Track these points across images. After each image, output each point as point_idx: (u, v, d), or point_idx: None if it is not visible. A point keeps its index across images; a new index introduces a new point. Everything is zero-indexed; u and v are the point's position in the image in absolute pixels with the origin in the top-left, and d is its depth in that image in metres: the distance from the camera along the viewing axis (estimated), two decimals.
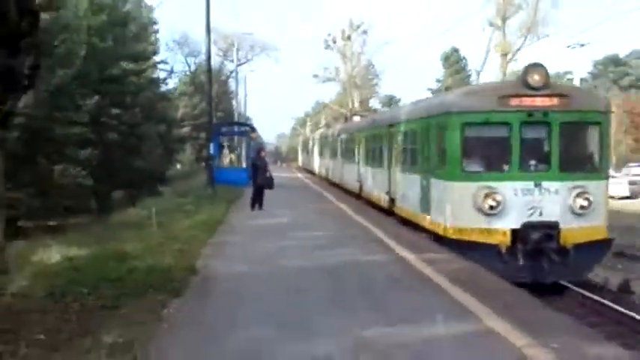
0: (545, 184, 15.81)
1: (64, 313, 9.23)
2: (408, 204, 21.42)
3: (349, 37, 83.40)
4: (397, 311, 9.73)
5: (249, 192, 27.51)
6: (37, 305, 9.55)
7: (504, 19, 60.29)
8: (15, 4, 8.03)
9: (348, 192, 35.10)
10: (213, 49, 44.10)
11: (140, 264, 12.91)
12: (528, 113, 15.79)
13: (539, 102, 15.88)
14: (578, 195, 15.80)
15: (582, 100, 16.94)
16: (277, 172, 40.74)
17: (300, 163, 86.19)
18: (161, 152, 56.21)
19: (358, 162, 32.28)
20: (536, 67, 16.26)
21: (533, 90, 15.85)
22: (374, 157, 28.75)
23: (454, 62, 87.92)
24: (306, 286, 11.68)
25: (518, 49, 60.39)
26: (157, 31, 63.85)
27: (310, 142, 69.35)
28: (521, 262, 15.57)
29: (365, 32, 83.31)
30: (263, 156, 28.19)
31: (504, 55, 60.24)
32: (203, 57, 55.19)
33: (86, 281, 11.11)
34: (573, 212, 15.90)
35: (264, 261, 14.03)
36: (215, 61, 66.56)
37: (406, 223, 21.54)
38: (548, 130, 16.09)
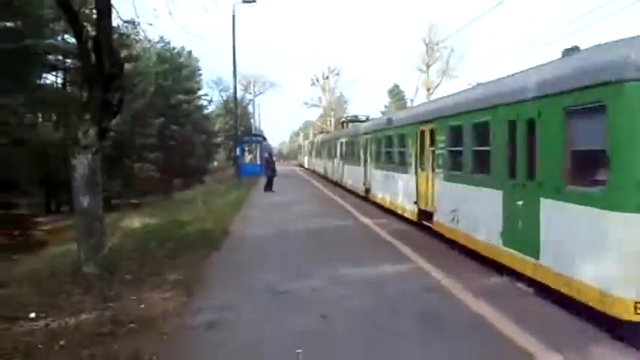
0: None
1: (142, 261, 9.23)
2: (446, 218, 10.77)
3: (327, 77, 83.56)
4: (361, 257, 9.74)
5: (263, 180, 27.91)
6: (125, 256, 9.55)
7: (428, 66, 61.99)
8: (107, 59, 8.00)
9: (330, 181, 34.60)
10: (238, 86, 44.69)
11: (191, 228, 12.90)
12: None
13: None
14: None
15: None
16: (280, 167, 41.22)
17: (297, 161, 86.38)
18: (204, 153, 57.54)
19: (341, 160, 29.21)
20: None
21: None
22: (353, 157, 23.96)
23: (396, 94, 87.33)
24: (302, 241, 11.72)
25: (437, 86, 61.76)
26: (201, 74, 64.35)
27: (303, 147, 69.76)
28: None
29: (337, 74, 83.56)
30: (272, 157, 29.57)
31: (428, 89, 61.60)
32: (231, 91, 55.73)
33: (156, 240, 11.10)
34: None
35: (272, 225, 14.04)
36: (239, 94, 67.20)
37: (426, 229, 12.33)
38: None
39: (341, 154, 28.72)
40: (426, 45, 61.50)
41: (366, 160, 20.55)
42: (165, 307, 6.68)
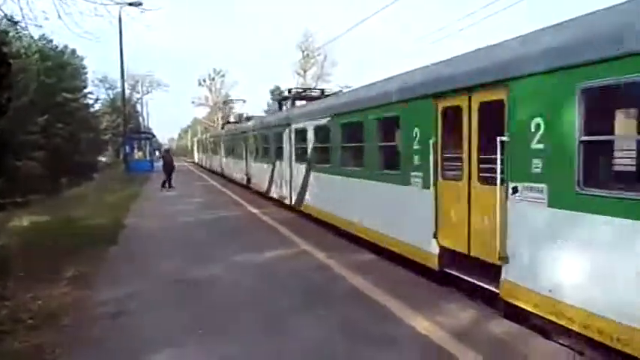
0: None
1: (35, 259, 8.46)
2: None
3: (213, 79, 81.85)
4: (253, 243, 9.82)
5: (154, 176, 26.59)
6: (17, 254, 8.68)
7: (305, 71, 63.72)
8: None
9: (216, 173, 34.26)
10: (125, 85, 42.01)
11: (85, 224, 12.04)
12: None
13: None
14: None
15: None
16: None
17: (192, 158, 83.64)
18: (92, 151, 53.34)
19: (224, 156, 30.25)
20: None
21: None
22: (234, 152, 25.01)
23: (278, 94, 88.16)
24: (195, 231, 11.48)
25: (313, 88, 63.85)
26: (86, 73, 59.29)
27: (195, 145, 67.80)
28: None
29: (223, 75, 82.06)
30: (170, 153, 26.71)
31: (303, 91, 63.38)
32: (118, 89, 52.23)
33: (49, 237, 10.22)
34: None
35: (167, 218, 13.54)
36: (126, 92, 62.98)
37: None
38: None
39: (227, 150, 28.70)
40: (303, 52, 62.95)
41: (247, 155, 21.37)
42: (64, 301, 6.27)
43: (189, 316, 5.68)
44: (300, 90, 17.73)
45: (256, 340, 4.98)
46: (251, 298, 6.36)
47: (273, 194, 16.19)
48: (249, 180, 21.14)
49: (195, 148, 63.60)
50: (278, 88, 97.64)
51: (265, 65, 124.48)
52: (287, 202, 14.43)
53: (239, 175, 23.66)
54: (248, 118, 26.30)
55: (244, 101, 32.74)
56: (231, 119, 34.89)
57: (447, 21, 64.76)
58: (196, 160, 57.24)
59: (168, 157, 24.86)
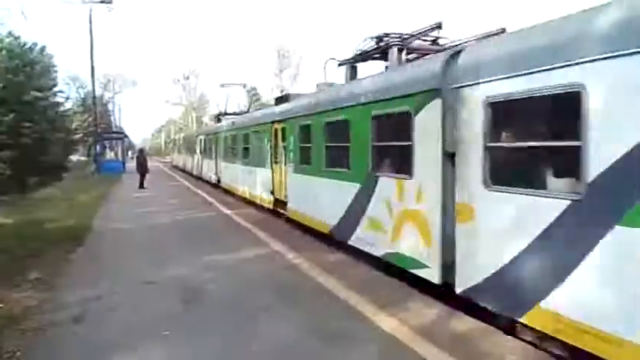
0: None
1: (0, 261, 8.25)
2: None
3: (188, 78, 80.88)
4: (223, 244, 9.77)
5: (125, 176, 26.15)
6: None
7: (281, 71, 63.91)
8: None
9: (189, 174, 33.85)
10: (97, 84, 41.29)
11: (53, 225, 11.77)
12: None
13: None
14: None
15: None
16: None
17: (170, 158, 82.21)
18: (62, 151, 51.94)
19: (199, 155, 29.58)
20: None
21: None
22: (208, 152, 25.19)
23: (254, 94, 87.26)
24: (165, 233, 11.34)
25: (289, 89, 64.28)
26: (56, 71, 57.74)
27: (171, 145, 66.88)
28: None
29: (198, 75, 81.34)
30: (143, 153, 26.04)
31: (281, 91, 63.42)
32: (89, 88, 51.25)
33: (13, 240, 9.97)
34: None
35: (137, 219, 13.33)
36: (98, 92, 61.73)
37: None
38: None
39: (201, 150, 28.43)
40: (279, 53, 63.00)
41: (217, 155, 22.45)
42: (28, 304, 6.13)
43: (153, 319, 5.61)
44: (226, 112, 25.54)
45: (218, 338, 4.97)
46: (219, 297, 6.33)
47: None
48: (218, 180, 22.22)
49: (171, 148, 62.30)
50: (254, 88, 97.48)
51: (242, 65, 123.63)
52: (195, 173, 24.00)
53: (210, 174, 24.95)
54: (218, 118, 25.98)
55: (244, 86, 31.89)
56: (205, 119, 34.63)
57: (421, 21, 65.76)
58: (174, 162, 55.95)
59: (141, 157, 24.23)
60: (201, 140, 28.54)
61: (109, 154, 42.89)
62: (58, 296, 6.49)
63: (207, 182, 25.34)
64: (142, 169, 23.06)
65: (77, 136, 67.51)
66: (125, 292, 6.67)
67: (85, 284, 7.08)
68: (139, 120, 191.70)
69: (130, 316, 5.73)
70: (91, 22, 28.75)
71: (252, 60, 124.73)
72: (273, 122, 13.39)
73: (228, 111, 26.50)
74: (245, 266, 7.97)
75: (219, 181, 22.02)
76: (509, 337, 4.96)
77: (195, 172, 30.87)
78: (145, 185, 22.61)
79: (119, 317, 5.71)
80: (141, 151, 27.38)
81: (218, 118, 26.23)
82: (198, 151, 29.82)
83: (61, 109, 58.14)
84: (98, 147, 36.91)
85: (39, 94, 41.06)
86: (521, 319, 4.78)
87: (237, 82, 28.86)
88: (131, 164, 52.76)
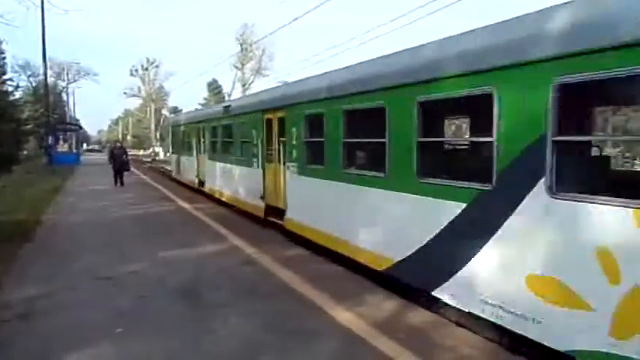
0: None
1: None
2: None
3: (147, 69, 78.45)
4: (181, 239, 9.56)
5: (78, 168, 25.13)
6: None
7: (243, 64, 63.19)
8: None
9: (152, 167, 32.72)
10: (50, 72, 39.57)
11: (1, 219, 11.18)
12: None
13: None
14: None
15: None
16: (101, 155, 37.83)
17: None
18: (12, 142, 49.45)
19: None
20: None
21: None
22: (187, 146, 20.05)
23: (214, 88, 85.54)
24: (122, 227, 10.98)
25: (251, 82, 63.74)
26: (5, 58, 54.87)
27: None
28: None
29: (157, 66, 78.91)
30: (122, 146, 22.49)
31: (243, 85, 62.90)
32: (41, 77, 48.90)
33: None
34: None
35: (91, 213, 12.85)
36: (50, 80, 59.11)
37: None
38: None
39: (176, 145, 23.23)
40: (241, 45, 61.97)
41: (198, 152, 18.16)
42: None
43: (107, 315, 5.41)
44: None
45: (176, 335, 4.84)
46: (175, 292, 6.18)
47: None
48: (198, 181, 18.06)
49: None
50: (215, 81, 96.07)
51: (203, 58, 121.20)
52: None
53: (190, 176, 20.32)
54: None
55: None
56: (164, 111, 33.69)
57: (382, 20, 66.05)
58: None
59: (119, 151, 20.80)
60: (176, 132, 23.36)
61: (63, 146, 41.15)
62: (2, 294, 6.15)
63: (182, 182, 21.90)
64: (118, 164, 20.22)
65: (28, 127, 64.57)
66: (75, 289, 6.38)
67: (32, 280, 6.76)
68: (96, 111, 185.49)
69: (80, 314, 5.49)
70: (43, 3, 27.17)
71: (213, 50, 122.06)
72: (264, 111, 11.06)
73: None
74: (205, 261, 7.82)
75: (201, 184, 17.87)
76: (462, 328, 5.08)
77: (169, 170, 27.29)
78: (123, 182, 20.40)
79: (67, 315, 5.45)
80: (120, 145, 22.79)
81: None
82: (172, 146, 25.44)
83: (11, 98, 55.41)
84: (51, 138, 35.30)
85: None
86: None
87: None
88: (86, 157, 51.08)
